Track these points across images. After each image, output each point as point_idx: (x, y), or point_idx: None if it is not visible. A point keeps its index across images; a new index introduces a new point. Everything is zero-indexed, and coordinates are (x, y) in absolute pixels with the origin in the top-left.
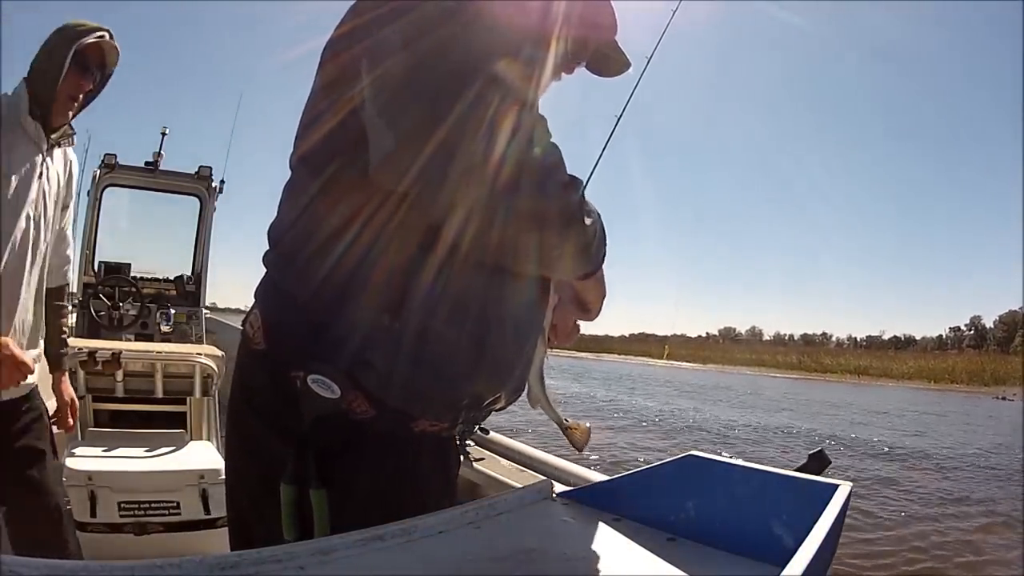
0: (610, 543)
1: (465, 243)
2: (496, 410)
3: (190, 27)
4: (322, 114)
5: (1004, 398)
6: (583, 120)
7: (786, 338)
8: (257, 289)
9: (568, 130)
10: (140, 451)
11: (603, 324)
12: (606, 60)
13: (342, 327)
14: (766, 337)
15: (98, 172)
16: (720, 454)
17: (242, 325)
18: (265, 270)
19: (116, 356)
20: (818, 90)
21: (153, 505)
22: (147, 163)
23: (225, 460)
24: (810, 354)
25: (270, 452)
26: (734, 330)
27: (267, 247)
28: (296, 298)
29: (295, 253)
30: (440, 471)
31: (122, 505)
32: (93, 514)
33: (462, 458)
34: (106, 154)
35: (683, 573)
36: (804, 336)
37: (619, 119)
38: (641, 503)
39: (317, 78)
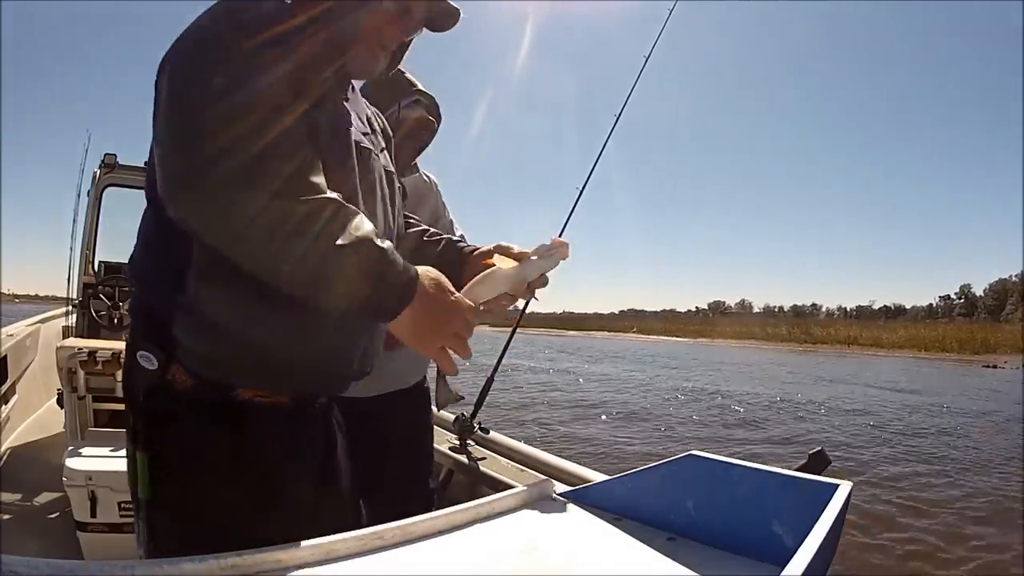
0: (610, 543)
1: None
2: (339, 392)
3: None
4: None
5: (995, 366)
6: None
7: (776, 310)
8: None
9: (559, 125)
10: None
11: (591, 302)
12: (437, 15)
13: (160, 309)
14: (756, 309)
15: (98, 172)
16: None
17: None
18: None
19: (116, 356)
20: (805, 55)
21: None
22: (147, 163)
23: None
24: (800, 325)
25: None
26: (724, 303)
27: None
28: (137, 295)
29: (137, 258)
30: (288, 445)
31: (122, 505)
32: (93, 514)
33: (462, 454)
34: (106, 154)
35: (683, 573)
36: (794, 307)
37: (618, 118)
38: (641, 503)
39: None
